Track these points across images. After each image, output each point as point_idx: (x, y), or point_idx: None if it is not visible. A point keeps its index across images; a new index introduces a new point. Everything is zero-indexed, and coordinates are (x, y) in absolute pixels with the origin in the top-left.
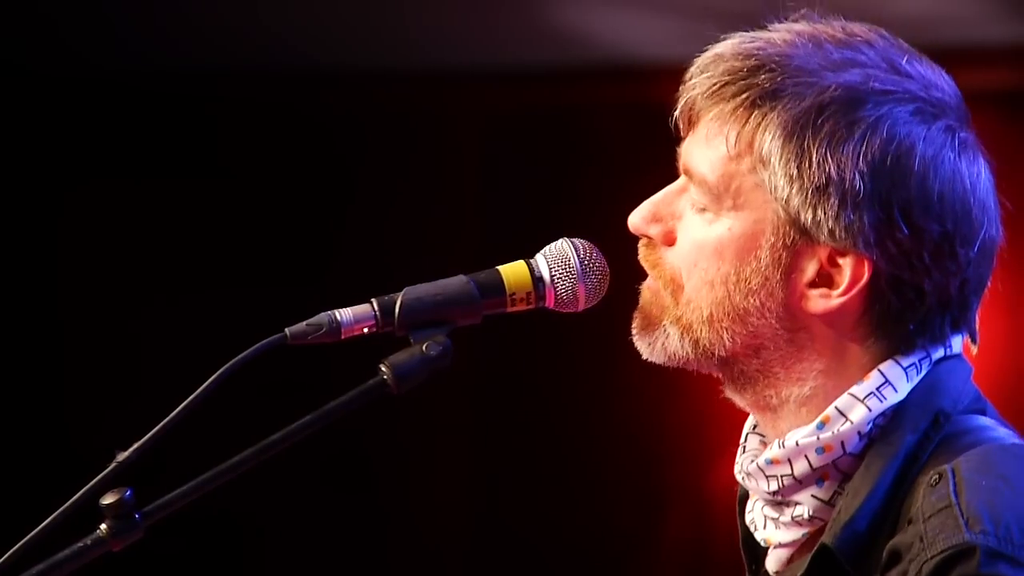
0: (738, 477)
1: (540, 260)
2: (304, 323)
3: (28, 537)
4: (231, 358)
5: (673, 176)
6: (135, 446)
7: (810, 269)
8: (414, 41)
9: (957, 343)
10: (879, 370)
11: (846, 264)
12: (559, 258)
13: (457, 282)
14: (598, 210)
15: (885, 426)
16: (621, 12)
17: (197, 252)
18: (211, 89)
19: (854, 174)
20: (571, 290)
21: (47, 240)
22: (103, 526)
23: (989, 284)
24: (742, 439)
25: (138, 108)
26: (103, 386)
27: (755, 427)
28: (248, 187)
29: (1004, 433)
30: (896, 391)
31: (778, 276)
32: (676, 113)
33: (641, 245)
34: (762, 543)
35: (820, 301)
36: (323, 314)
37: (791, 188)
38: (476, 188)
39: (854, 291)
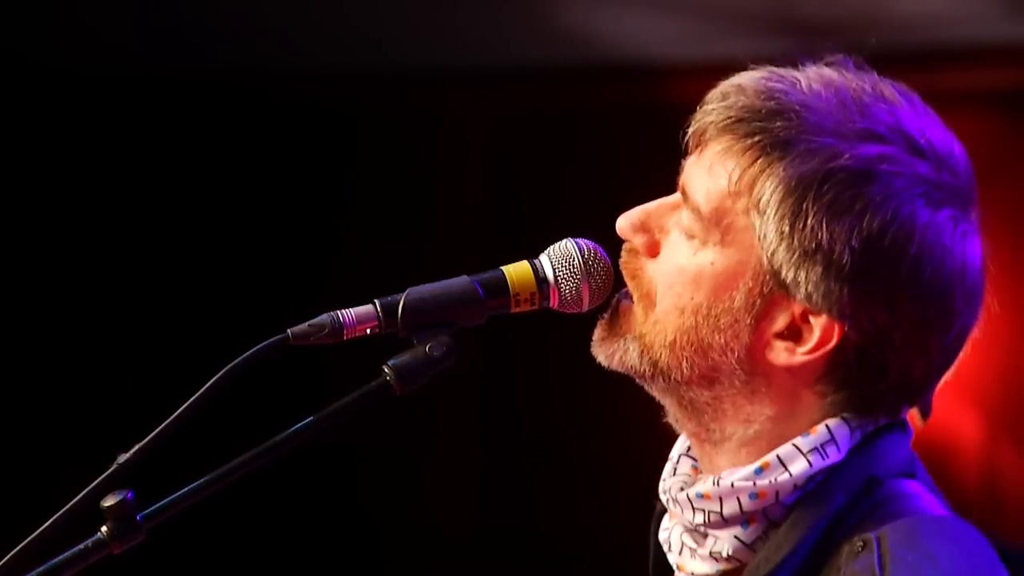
0: (662, 497)
1: (544, 260)
2: (306, 324)
3: (29, 539)
4: (230, 358)
5: (677, 180)
6: (136, 447)
7: (781, 320)
8: (421, 41)
9: (904, 409)
10: (827, 425)
11: (817, 324)
12: (563, 258)
13: (461, 283)
14: (604, 211)
15: (820, 483)
16: (629, 12)
17: (202, 250)
18: (230, 87)
19: (844, 247)
20: (575, 291)
21: (45, 231)
22: (104, 528)
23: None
24: (673, 458)
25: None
26: (101, 385)
27: (688, 450)
28: (250, 185)
29: (930, 502)
30: (839, 451)
31: (748, 320)
32: (688, 132)
33: (625, 250)
34: (674, 567)
35: (784, 354)
36: (325, 315)
37: (779, 244)
38: (482, 189)
39: (819, 353)
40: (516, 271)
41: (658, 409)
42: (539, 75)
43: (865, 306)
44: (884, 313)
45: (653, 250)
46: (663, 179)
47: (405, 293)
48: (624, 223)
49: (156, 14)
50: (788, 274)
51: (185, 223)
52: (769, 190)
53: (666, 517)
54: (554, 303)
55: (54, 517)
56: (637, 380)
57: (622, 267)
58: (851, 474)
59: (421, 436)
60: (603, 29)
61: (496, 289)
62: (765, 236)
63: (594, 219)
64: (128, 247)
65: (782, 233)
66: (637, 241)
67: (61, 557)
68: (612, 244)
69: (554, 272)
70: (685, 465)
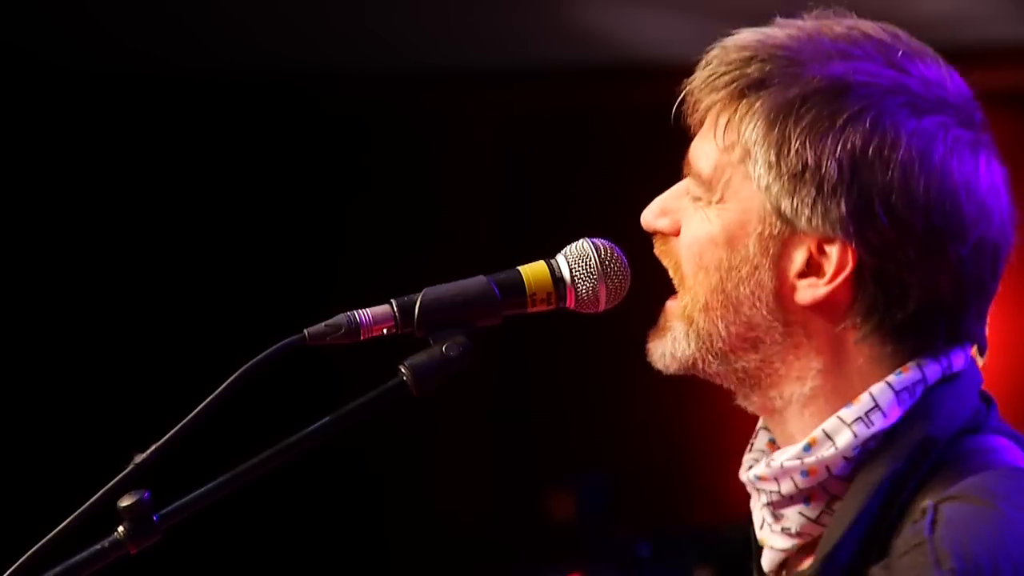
0: (741, 476)
1: (560, 260)
2: (323, 324)
3: (45, 539)
4: (241, 356)
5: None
6: (153, 447)
7: (799, 259)
8: (433, 41)
9: (959, 360)
10: (870, 393)
11: (832, 252)
12: (580, 258)
13: (477, 283)
14: (616, 210)
15: (873, 451)
16: (640, 12)
17: (213, 250)
18: (242, 87)
19: (831, 161)
20: (592, 290)
21: (45, 238)
22: (120, 528)
23: (995, 291)
24: (754, 435)
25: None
26: (117, 387)
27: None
28: (262, 185)
29: (997, 457)
30: (885, 416)
31: (767, 264)
32: (683, 108)
33: (655, 240)
34: (759, 540)
35: (808, 291)
36: (342, 315)
37: (770, 176)
38: (494, 188)
39: (839, 279)
40: (533, 271)
41: (676, 408)
42: (551, 75)
43: (867, 220)
44: (887, 226)
45: (675, 228)
46: (675, 180)
47: (421, 293)
48: (646, 214)
49: (170, 15)
50: (786, 205)
51: (196, 222)
52: (751, 128)
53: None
54: (571, 303)
55: (70, 517)
56: (696, 373)
57: (657, 255)
58: (903, 438)
59: (431, 433)
60: (616, 29)
61: (512, 289)
62: (760, 176)
63: (606, 219)
64: (138, 246)
65: (770, 164)
66: (661, 225)
67: (78, 557)
68: (624, 244)
69: (571, 272)
70: (762, 440)
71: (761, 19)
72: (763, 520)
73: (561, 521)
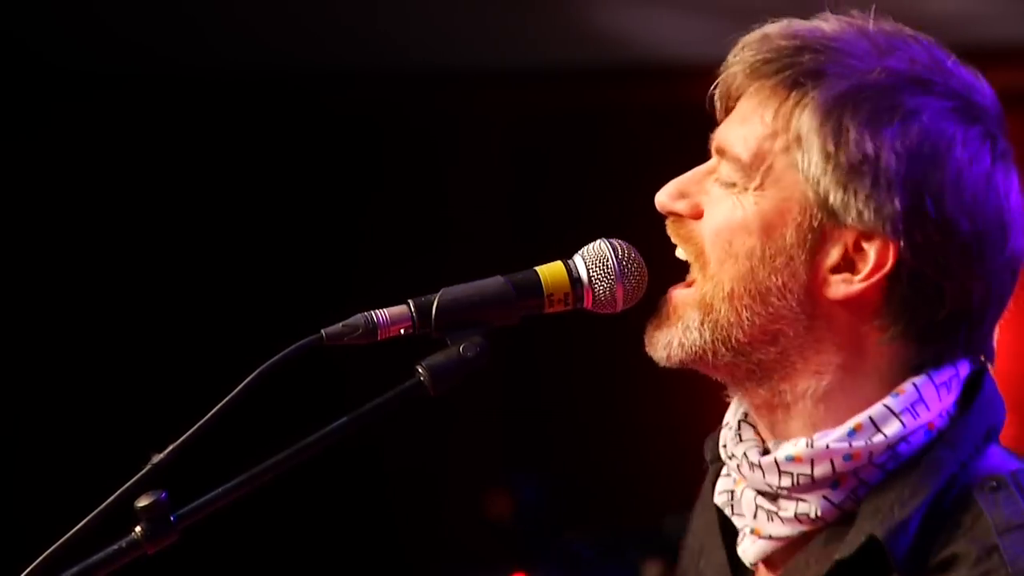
0: (729, 462)
1: (578, 261)
2: (340, 324)
3: (63, 539)
4: (255, 357)
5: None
6: (170, 448)
7: (834, 253)
8: (444, 41)
9: (979, 359)
10: (915, 385)
11: (871, 249)
12: (597, 259)
13: (494, 283)
14: (628, 210)
15: (933, 441)
16: (652, 12)
17: (224, 252)
18: (255, 88)
19: (891, 156)
20: (609, 291)
21: (54, 235)
22: (138, 529)
23: (1007, 305)
24: (731, 424)
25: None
26: (133, 388)
27: (746, 416)
28: (274, 185)
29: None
30: (928, 409)
31: (803, 256)
32: (715, 91)
33: (669, 222)
34: (743, 529)
35: (841, 286)
36: (359, 315)
37: (824, 166)
38: (506, 188)
39: (876, 277)
40: (550, 271)
41: (683, 408)
42: (562, 75)
43: (916, 219)
44: (935, 227)
45: (696, 212)
46: None
47: (439, 293)
48: (662, 195)
49: (179, 15)
50: (836, 197)
51: (207, 223)
52: (807, 120)
53: (723, 480)
54: (588, 303)
55: (88, 517)
56: (697, 366)
57: (671, 235)
58: (969, 425)
59: (441, 437)
60: (627, 29)
61: (530, 289)
62: (809, 166)
63: (617, 219)
64: (148, 247)
65: (827, 154)
66: (679, 207)
67: (95, 557)
68: (640, 244)
69: (588, 272)
70: (749, 431)
71: (774, 20)
72: (756, 508)
73: (497, 521)
